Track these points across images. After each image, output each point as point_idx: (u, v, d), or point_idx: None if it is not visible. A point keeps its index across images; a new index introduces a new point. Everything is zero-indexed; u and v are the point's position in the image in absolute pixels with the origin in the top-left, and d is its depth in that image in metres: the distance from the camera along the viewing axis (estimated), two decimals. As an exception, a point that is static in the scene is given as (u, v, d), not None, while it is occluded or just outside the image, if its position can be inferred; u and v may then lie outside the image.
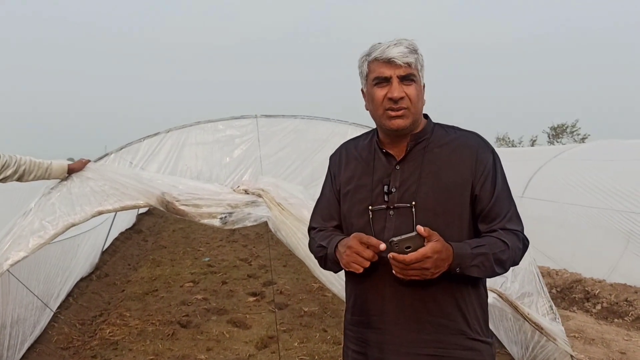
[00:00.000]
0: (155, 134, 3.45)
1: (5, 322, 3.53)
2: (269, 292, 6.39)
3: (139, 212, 12.21)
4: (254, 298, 6.17)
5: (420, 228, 1.51)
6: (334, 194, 1.87)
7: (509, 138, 34.76)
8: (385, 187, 1.71)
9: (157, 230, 11.82)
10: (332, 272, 1.89)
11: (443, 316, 1.67)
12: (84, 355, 4.49)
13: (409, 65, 1.62)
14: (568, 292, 6.31)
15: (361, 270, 1.61)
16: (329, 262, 1.79)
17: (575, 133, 32.08)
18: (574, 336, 4.78)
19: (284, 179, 3.32)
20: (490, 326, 4.72)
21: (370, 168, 1.77)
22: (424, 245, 1.50)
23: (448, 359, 1.67)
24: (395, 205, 1.68)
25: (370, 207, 1.71)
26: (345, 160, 1.86)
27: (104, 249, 8.28)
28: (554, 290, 6.43)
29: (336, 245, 1.71)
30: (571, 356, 3.45)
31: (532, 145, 31.47)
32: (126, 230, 10.78)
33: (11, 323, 3.60)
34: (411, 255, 1.49)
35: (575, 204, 7.24)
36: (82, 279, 6.56)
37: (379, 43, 1.67)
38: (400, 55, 1.61)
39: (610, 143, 8.80)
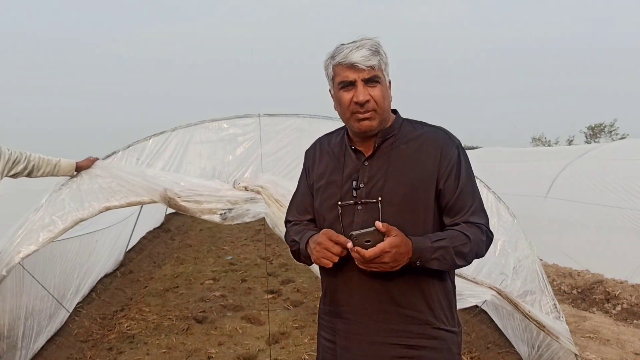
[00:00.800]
0: (161, 133, 3.55)
1: (19, 314, 3.69)
2: (286, 290, 6.47)
3: (167, 211, 12.43)
4: (271, 295, 6.25)
5: (378, 224, 1.55)
6: (308, 188, 1.93)
7: (545, 138, 33.90)
8: (354, 183, 1.76)
9: (184, 230, 12.04)
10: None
11: (409, 307, 1.71)
12: (101, 347, 4.65)
13: (372, 68, 1.65)
14: (589, 293, 6.19)
15: (330, 265, 1.66)
16: (302, 256, 1.85)
17: (613, 133, 31.20)
18: (589, 337, 4.70)
19: (283, 176, 3.38)
20: (498, 325, 4.69)
21: (341, 164, 1.82)
22: (383, 240, 1.54)
23: (413, 347, 1.71)
24: (363, 200, 1.73)
25: (339, 203, 1.77)
26: (319, 156, 1.92)
27: (132, 246, 8.49)
28: (574, 291, 6.32)
29: (307, 241, 1.77)
30: (575, 355, 3.40)
31: (569, 145, 30.67)
32: (154, 229, 11.01)
33: (25, 315, 3.76)
34: (370, 251, 1.54)
35: (599, 204, 7.09)
36: (106, 275, 6.76)
37: (342, 45, 1.70)
38: (363, 59, 1.63)
39: (637, 142, 8.58)
